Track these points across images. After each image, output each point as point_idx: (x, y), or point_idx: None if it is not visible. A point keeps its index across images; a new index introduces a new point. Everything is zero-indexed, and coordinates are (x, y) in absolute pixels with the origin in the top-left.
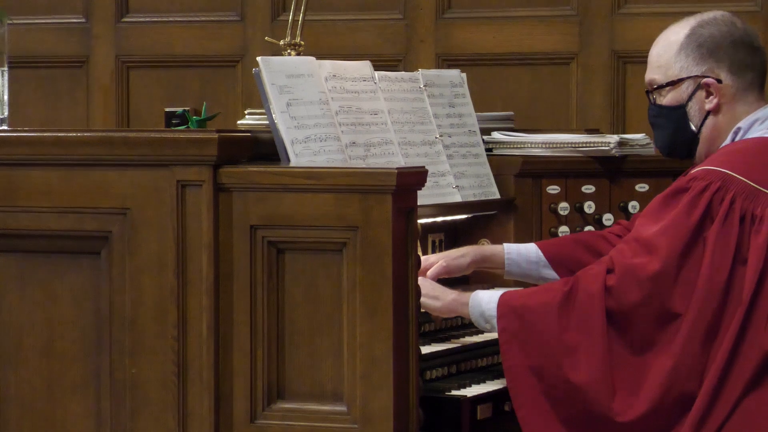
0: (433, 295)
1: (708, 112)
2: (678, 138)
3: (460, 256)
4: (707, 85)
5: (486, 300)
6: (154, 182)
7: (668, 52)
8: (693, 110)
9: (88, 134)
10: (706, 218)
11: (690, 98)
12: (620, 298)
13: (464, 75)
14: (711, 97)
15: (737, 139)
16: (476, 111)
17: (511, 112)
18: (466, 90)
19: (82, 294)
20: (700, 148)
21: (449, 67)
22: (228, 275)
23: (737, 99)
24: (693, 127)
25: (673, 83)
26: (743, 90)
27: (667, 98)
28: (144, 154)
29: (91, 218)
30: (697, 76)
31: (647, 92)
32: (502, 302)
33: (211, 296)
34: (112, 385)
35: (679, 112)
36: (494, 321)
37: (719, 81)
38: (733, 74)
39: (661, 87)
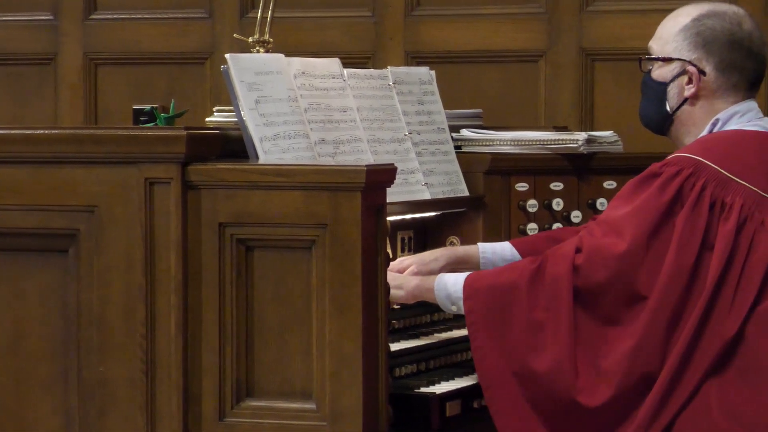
0: (396, 285)
1: (685, 99)
2: (654, 112)
3: (433, 260)
4: (690, 73)
5: (452, 282)
6: (122, 180)
7: (672, 28)
8: (672, 92)
9: (56, 132)
10: (675, 203)
11: (673, 79)
12: (587, 277)
13: (433, 72)
14: (690, 86)
15: (715, 130)
16: (445, 108)
17: (480, 110)
18: (435, 87)
19: (50, 292)
20: (674, 131)
21: (418, 64)
22: (196, 273)
23: (717, 95)
24: (668, 108)
25: (665, 60)
26: (725, 89)
27: (656, 72)
28: (112, 151)
29: (59, 216)
30: (684, 61)
31: (639, 59)
32: (468, 283)
33: (180, 294)
34: (80, 383)
35: (660, 88)
36: (461, 303)
37: (703, 73)
38: (719, 71)
39: (654, 59)
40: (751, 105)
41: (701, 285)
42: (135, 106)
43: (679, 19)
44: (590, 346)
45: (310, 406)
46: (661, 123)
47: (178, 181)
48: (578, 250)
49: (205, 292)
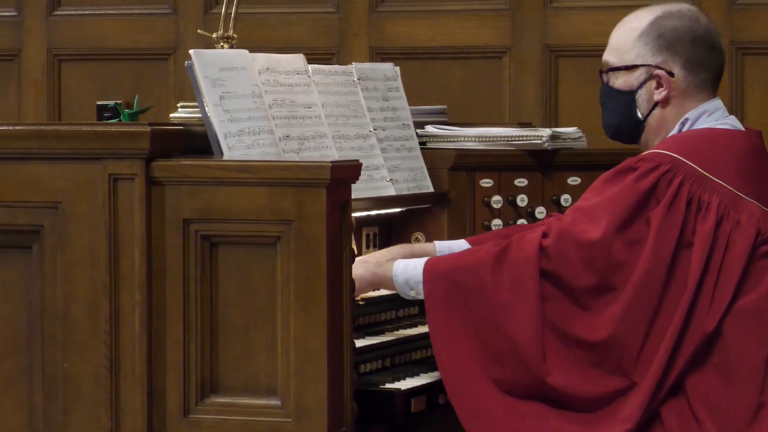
0: (353, 275)
1: (656, 103)
2: (623, 122)
3: (390, 258)
4: (659, 77)
5: (411, 266)
6: (85, 176)
7: (629, 36)
8: (642, 98)
9: (20, 128)
10: (650, 197)
11: (641, 86)
12: (555, 259)
13: (398, 68)
14: (660, 89)
15: (684, 129)
16: (410, 104)
17: (445, 106)
18: (399, 83)
19: (14, 288)
20: (645, 137)
21: (383, 60)
22: (161, 270)
23: (687, 95)
24: (639, 115)
25: (628, 68)
26: (694, 87)
27: (619, 81)
28: (75, 147)
29: (23, 212)
30: (650, 66)
31: (600, 72)
32: (429, 267)
33: (144, 291)
34: (44, 379)
35: (628, 97)
36: (420, 287)
37: (671, 74)
38: (687, 70)
39: (615, 69)
40: (718, 104)
41: (678, 282)
42: (99, 102)
43: (634, 25)
44: (559, 326)
45: (274, 402)
46: (633, 131)
47: (142, 177)
48: (545, 235)
49: (170, 289)
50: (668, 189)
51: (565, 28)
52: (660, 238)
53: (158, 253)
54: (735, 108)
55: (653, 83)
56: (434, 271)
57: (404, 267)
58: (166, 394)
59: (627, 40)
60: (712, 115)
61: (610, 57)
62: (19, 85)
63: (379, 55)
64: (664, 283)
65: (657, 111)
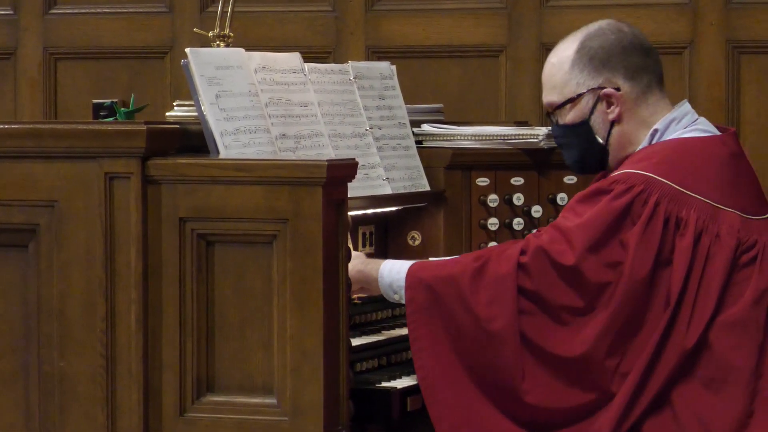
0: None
1: (612, 122)
2: (587, 153)
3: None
4: (607, 96)
5: (396, 270)
6: (81, 174)
7: (561, 70)
8: (597, 123)
9: (16, 126)
10: (625, 218)
11: (592, 112)
12: (536, 277)
13: (394, 67)
14: (612, 107)
15: (655, 141)
16: (406, 103)
17: (441, 105)
18: (396, 82)
19: (10, 287)
20: (612, 159)
21: (379, 59)
22: (157, 268)
23: (638, 103)
24: (600, 140)
25: (573, 100)
26: (642, 93)
27: (569, 116)
28: (71, 146)
29: (19, 211)
30: (594, 89)
31: (548, 114)
32: (411, 272)
33: (140, 289)
34: (40, 378)
35: (583, 128)
36: (402, 291)
37: (618, 89)
38: (630, 80)
39: (560, 106)
40: (685, 108)
41: (658, 299)
42: (95, 101)
43: (562, 57)
44: (537, 343)
45: (270, 401)
46: (599, 159)
47: (138, 175)
48: (523, 252)
49: (166, 287)
50: (644, 209)
51: (561, 26)
52: (638, 259)
53: (154, 251)
54: (731, 107)
55: (603, 104)
56: (417, 276)
57: (389, 270)
58: (162, 392)
59: (561, 74)
60: (681, 122)
61: (551, 97)
62: (15, 84)
63: (375, 53)
64: (644, 302)
65: (615, 130)
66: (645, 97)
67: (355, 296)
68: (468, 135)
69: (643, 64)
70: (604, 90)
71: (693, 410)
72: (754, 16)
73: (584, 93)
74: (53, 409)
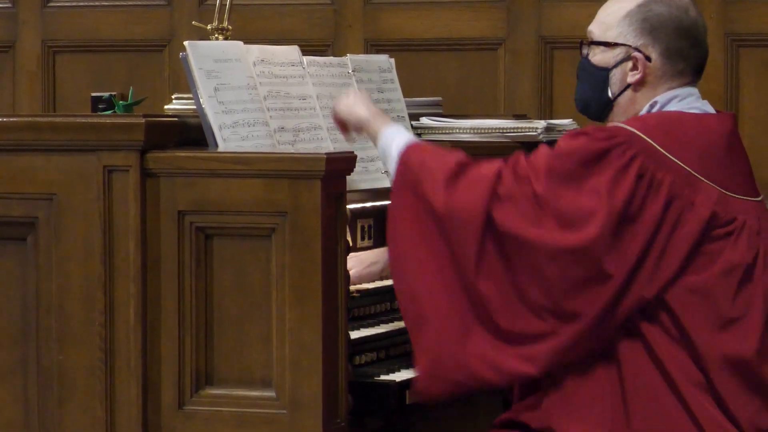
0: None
1: (628, 85)
2: (594, 99)
3: (373, 263)
4: (635, 59)
5: (393, 145)
6: (80, 168)
7: (617, 13)
8: (615, 77)
9: (14, 119)
10: (598, 162)
11: (617, 65)
12: (511, 186)
13: (392, 60)
14: (635, 72)
15: (653, 111)
16: (405, 96)
17: (440, 98)
18: (394, 75)
19: (9, 281)
20: (612, 116)
21: (377, 52)
22: (155, 261)
23: (661, 82)
24: (610, 94)
25: (608, 44)
26: (670, 76)
27: (598, 57)
28: (70, 139)
29: (17, 204)
30: (630, 47)
31: (581, 44)
32: (405, 151)
33: (139, 283)
34: (39, 372)
35: (602, 74)
36: (390, 165)
37: (649, 59)
38: (665, 58)
39: (596, 43)
40: (692, 90)
41: (621, 251)
42: (93, 94)
43: (624, 4)
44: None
45: (269, 394)
46: (601, 109)
47: (136, 168)
48: (499, 177)
49: (164, 281)
50: (619, 160)
51: (560, 19)
52: (605, 206)
53: (153, 244)
54: (730, 99)
55: (629, 64)
56: (409, 151)
57: (390, 138)
58: (161, 386)
59: (613, 17)
60: (684, 101)
61: (595, 28)
62: (14, 77)
63: (373, 46)
64: (607, 249)
65: (628, 93)
66: (671, 80)
67: (353, 289)
68: (467, 128)
69: (686, 52)
70: (636, 53)
71: (636, 367)
72: (753, 9)
73: (620, 45)
74: (52, 402)
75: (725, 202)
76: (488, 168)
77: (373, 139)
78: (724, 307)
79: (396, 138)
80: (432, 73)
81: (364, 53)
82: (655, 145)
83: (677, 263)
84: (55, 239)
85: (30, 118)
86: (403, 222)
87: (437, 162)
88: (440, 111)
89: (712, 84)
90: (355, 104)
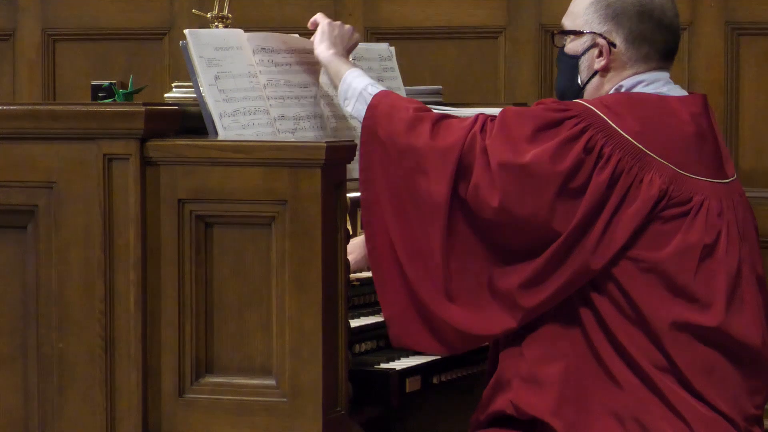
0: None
1: (596, 72)
2: (568, 87)
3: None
4: (600, 46)
5: (356, 91)
6: (80, 156)
7: (583, 2)
8: (583, 65)
9: (14, 107)
10: (548, 130)
11: (584, 53)
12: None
13: (393, 49)
14: (600, 58)
15: None
16: (405, 85)
17: (440, 86)
18: (394, 63)
19: (9, 268)
20: None
21: (377, 40)
22: (155, 250)
23: (627, 67)
24: (579, 81)
25: (576, 33)
26: (635, 61)
27: (569, 46)
28: (70, 127)
29: (18, 192)
30: (594, 34)
31: (552, 33)
32: (376, 99)
33: (139, 271)
34: (39, 359)
35: (573, 62)
36: (356, 111)
37: (613, 45)
38: (629, 43)
39: (564, 32)
40: (659, 75)
41: (560, 222)
42: (93, 82)
43: None
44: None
45: (269, 382)
46: (574, 97)
47: (136, 157)
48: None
49: (164, 269)
50: (570, 131)
51: (561, 7)
52: (546, 173)
53: (153, 233)
54: (730, 88)
55: (595, 51)
56: (378, 97)
57: (351, 82)
58: (161, 373)
59: (581, 6)
60: (651, 85)
61: (565, 20)
62: (14, 65)
63: (374, 35)
64: (549, 217)
65: (595, 79)
66: (637, 65)
67: (354, 278)
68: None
69: (651, 36)
70: (601, 39)
71: (581, 349)
72: None
73: (586, 33)
74: (52, 390)
75: (680, 182)
76: (465, 118)
77: (334, 79)
78: (682, 283)
79: (355, 81)
80: (432, 61)
81: (365, 41)
82: (608, 121)
83: (623, 238)
84: (55, 227)
85: (30, 107)
86: (374, 165)
87: (404, 104)
88: (440, 99)
89: (712, 73)
90: (320, 41)
